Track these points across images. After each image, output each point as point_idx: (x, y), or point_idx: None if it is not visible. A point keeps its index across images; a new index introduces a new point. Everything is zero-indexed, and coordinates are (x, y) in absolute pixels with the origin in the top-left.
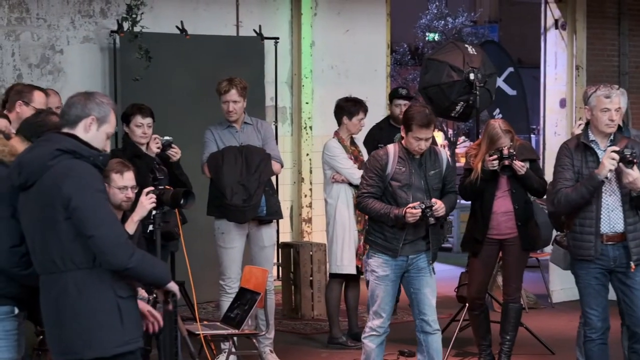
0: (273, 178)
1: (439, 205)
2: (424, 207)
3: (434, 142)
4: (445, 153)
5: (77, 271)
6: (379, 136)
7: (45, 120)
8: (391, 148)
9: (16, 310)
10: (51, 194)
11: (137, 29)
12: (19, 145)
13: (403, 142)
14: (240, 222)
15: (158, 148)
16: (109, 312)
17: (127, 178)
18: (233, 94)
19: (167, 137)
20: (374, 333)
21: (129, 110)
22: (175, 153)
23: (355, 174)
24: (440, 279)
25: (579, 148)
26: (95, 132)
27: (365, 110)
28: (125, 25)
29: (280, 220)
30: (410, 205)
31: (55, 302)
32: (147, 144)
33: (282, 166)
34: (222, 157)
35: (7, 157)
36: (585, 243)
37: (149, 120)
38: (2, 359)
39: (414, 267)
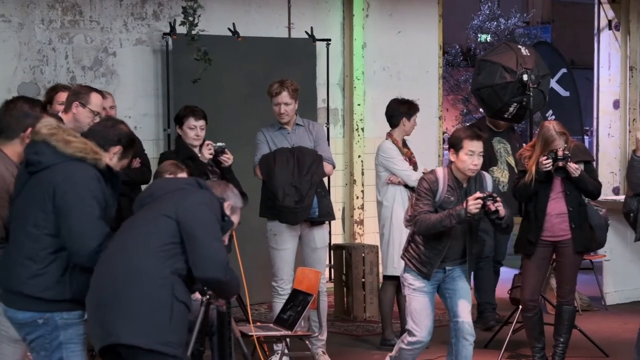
0: (325, 179)
1: (500, 203)
2: (485, 195)
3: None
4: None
5: (146, 258)
6: None
7: (117, 129)
8: (440, 174)
9: (85, 315)
10: (171, 201)
11: (194, 31)
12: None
13: (452, 167)
14: (293, 224)
15: (210, 154)
16: (161, 307)
17: None
18: (284, 96)
19: (219, 143)
20: (410, 351)
21: (182, 112)
22: (227, 159)
23: (412, 176)
24: None
25: None
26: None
27: (418, 109)
28: (184, 29)
29: (332, 222)
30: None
31: (112, 285)
32: (200, 147)
33: (334, 167)
34: (274, 158)
35: (91, 154)
36: None
37: (201, 122)
38: None
39: (449, 276)
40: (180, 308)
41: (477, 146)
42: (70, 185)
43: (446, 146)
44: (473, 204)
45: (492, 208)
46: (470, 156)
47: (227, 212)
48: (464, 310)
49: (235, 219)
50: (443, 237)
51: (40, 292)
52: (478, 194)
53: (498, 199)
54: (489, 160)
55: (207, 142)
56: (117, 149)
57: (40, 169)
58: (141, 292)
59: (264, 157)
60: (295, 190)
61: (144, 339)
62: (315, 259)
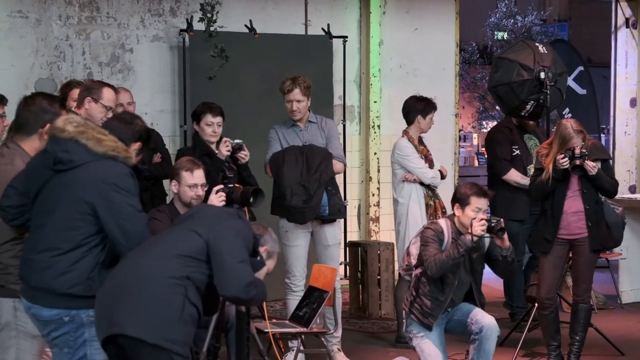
0: (340, 177)
1: (504, 230)
2: (490, 217)
3: None
4: None
5: (164, 260)
6: (510, 138)
7: (136, 125)
8: (444, 226)
9: None
10: (206, 223)
11: (212, 28)
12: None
13: (455, 220)
14: (301, 223)
15: (228, 151)
16: (172, 305)
17: (197, 176)
18: (296, 93)
19: (237, 140)
20: None
21: (200, 108)
22: (244, 156)
23: (428, 174)
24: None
25: None
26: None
27: (435, 108)
28: (201, 25)
29: (347, 219)
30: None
31: (125, 280)
32: (217, 143)
33: (345, 165)
34: (282, 157)
35: (123, 153)
36: None
37: (219, 119)
38: None
39: (454, 309)
40: (191, 310)
41: (483, 203)
42: (112, 185)
43: (462, 143)
44: (478, 225)
45: (497, 227)
46: (476, 213)
47: (264, 256)
48: (480, 314)
49: (270, 263)
50: (445, 287)
51: (70, 288)
52: (482, 216)
53: (502, 224)
54: (525, 158)
55: (224, 138)
56: (137, 145)
57: (70, 167)
58: (153, 288)
59: (274, 155)
60: (303, 189)
61: (149, 333)
62: (328, 255)
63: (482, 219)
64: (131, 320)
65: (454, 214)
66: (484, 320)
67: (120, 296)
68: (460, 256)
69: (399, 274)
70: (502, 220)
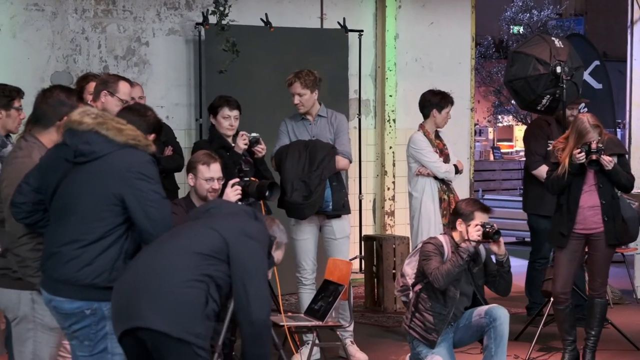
0: (356, 171)
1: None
2: (484, 223)
3: None
4: (482, 247)
5: (186, 255)
6: (547, 132)
7: (150, 118)
8: (443, 241)
9: None
10: (225, 221)
11: (224, 21)
12: None
13: (455, 235)
14: (300, 219)
15: (245, 144)
16: (196, 300)
17: (214, 169)
18: (297, 87)
19: (254, 134)
20: None
21: (216, 102)
22: (261, 149)
23: (442, 168)
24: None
25: None
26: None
27: (452, 103)
28: (214, 19)
29: (362, 213)
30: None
31: (148, 273)
32: (234, 137)
33: (350, 161)
34: (286, 152)
35: (143, 141)
36: None
37: (235, 112)
38: (119, 353)
39: (458, 321)
40: (213, 306)
41: (486, 219)
42: (137, 174)
43: (477, 137)
44: (474, 230)
45: (492, 231)
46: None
47: (272, 247)
48: (485, 307)
49: (279, 254)
50: (448, 301)
51: (94, 279)
52: (477, 222)
53: (496, 228)
54: None
55: (241, 132)
56: (151, 137)
57: (92, 158)
58: (175, 283)
59: (279, 150)
60: (304, 185)
61: (173, 327)
62: (336, 249)
63: (476, 225)
64: (155, 314)
65: (452, 229)
66: (491, 308)
67: (140, 290)
68: (464, 262)
69: None
70: (495, 225)
